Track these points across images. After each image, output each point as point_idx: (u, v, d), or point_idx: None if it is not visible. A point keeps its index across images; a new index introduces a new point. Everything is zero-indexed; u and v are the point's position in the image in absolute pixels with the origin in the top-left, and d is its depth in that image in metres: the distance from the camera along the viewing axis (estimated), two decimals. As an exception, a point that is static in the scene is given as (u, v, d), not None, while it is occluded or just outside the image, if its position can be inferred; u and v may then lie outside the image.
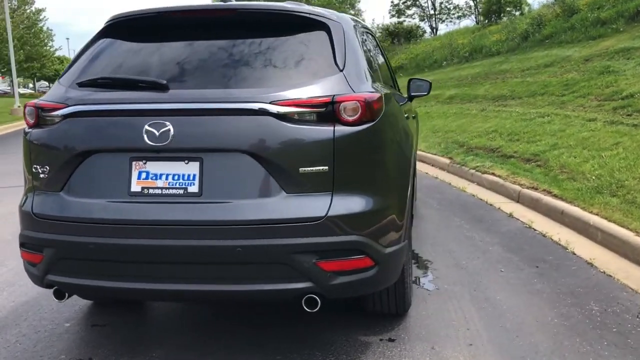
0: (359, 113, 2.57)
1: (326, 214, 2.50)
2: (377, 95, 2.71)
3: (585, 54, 11.95)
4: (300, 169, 2.49)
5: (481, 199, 6.71)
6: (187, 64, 2.75)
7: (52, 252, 2.64)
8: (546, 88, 11.03)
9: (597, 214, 5.03)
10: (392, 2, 40.39)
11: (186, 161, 2.54)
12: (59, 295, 2.77)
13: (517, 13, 24.61)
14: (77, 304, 3.61)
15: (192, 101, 2.55)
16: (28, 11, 47.48)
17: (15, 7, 45.66)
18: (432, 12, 39.77)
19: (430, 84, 5.10)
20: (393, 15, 40.40)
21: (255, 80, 2.65)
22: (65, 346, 3.08)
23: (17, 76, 39.12)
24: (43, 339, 3.17)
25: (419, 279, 4.01)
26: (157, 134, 2.50)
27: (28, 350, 3.03)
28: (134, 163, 2.57)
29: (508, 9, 25.26)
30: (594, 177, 5.92)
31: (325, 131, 2.52)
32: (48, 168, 2.69)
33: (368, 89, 2.74)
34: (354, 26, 3.26)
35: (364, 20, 42.77)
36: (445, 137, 10.84)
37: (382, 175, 2.74)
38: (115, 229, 2.54)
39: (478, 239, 4.99)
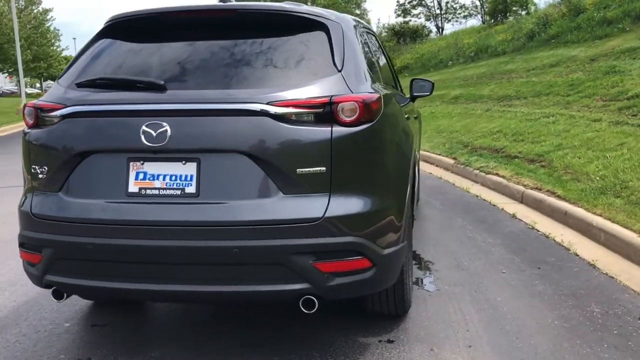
0: (357, 114, 2.57)
1: (323, 214, 2.49)
2: (375, 96, 2.70)
3: (591, 54, 11.90)
4: (298, 169, 2.49)
5: (484, 200, 6.68)
6: (185, 65, 2.75)
7: (51, 252, 2.65)
8: (551, 88, 10.98)
9: (600, 215, 5.00)
10: (397, 1, 40.40)
11: (183, 162, 2.53)
12: (58, 295, 2.78)
13: (524, 12, 24.51)
14: (77, 304, 3.62)
15: (190, 102, 2.55)
16: (35, 11, 47.73)
17: (23, 7, 45.93)
18: (438, 11, 39.70)
19: (433, 84, 5.07)
20: (399, 15, 40.39)
21: (252, 80, 2.65)
22: (65, 346, 3.09)
23: (24, 76, 39.34)
24: (43, 338, 3.17)
25: (420, 279, 4.00)
26: (154, 134, 2.50)
27: (28, 350, 3.04)
28: (131, 164, 2.57)
29: (514, 8, 25.16)
30: (598, 178, 5.89)
31: (322, 132, 2.52)
32: (46, 168, 2.70)
33: (367, 90, 2.73)
34: (354, 26, 3.25)
35: (369, 20, 42.80)
36: (450, 137, 10.81)
37: (380, 176, 2.74)
38: (112, 230, 2.54)
39: (480, 240, 4.97)
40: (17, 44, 27.86)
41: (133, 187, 2.56)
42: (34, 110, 2.79)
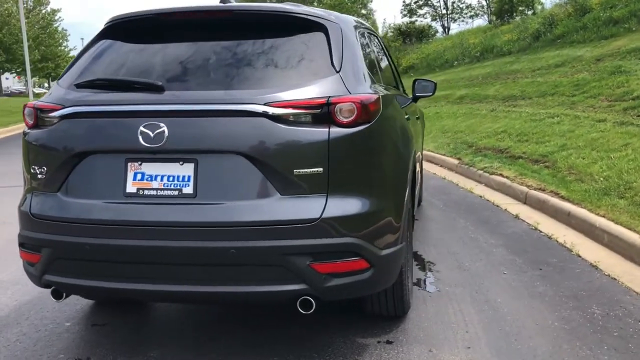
0: (354, 114, 2.56)
1: (320, 215, 2.49)
2: (374, 96, 2.70)
3: (597, 54, 11.84)
4: (295, 170, 2.49)
5: (488, 200, 6.66)
6: (183, 65, 2.76)
7: (49, 252, 2.66)
8: (556, 88, 10.93)
9: (603, 216, 4.98)
10: (403, 1, 40.30)
11: (181, 162, 2.54)
12: (57, 295, 2.79)
13: (530, 12, 24.41)
14: (78, 303, 3.64)
15: (187, 102, 2.55)
16: (43, 11, 48.05)
17: (31, 7, 46.24)
18: (444, 11, 39.59)
19: (435, 84, 5.06)
20: (405, 15, 40.29)
21: (250, 81, 2.65)
22: (65, 345, 3.10)
23: (32, 76, 39.60)
24: (43, 337, 3.19)
25: (421, 280, 3.99)
26: (152, 135, 2.51)
27: (28, 349, 3.06)
28: (129, 164, 2.58)
29: (520, 8, 25.06)
30: (602, 179, 5.85)
31: (320, 132, 2.52)
32: (45, 169, 2.71)
33: (365, 90, 2.73)
34: (355, 27, 3.25)
35: (374, 20, 42.73)
36: (455, 138, 10.78)
37: (378, 177, 2.73)
38: (110, 230, 2.55)
39: (482, 241, 4.96)
40: (25, 44, 28.01)
41: (131, 188, 2.57)
42: (34, 110, 2.81)
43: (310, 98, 2.54)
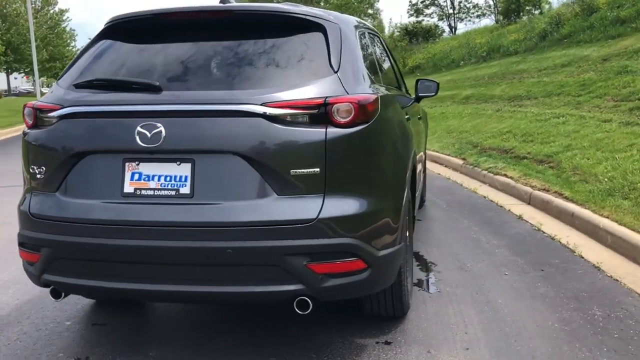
0: (352, 115, 2.56)
1: (317, 216, 2.49)
2: (372, 97, 2.69)
3: (604, 54, 11.77)
4: (292, 170, 2.49)
5: (492, 201, 6.64)
6: (181, 66, 2.77)
7: (48, 251, 2.67)
8: (562, 88, 10.88)
9: (607, 217, 4.95)
10: (410, 1, 40.18)
11: (178, 162, 2.55)
12: (56, 294, 2.80)
13: (537, 12, 24.30)
14: (79, 303, 3.65)
15: (184, 102, 2.56)
16: (51, 12, 48.34)
17: (39, 7, 46.53)
18: (450, 11, 39.47)
19: (438, 84, 5.05)
20: (411, 15, 40.19)
21: (248, 81, 2.65)
22: (65, 344, 3.12)
23: (40, 76, 39.83)
24: (43, 337, 3.20)
25: (421, 281, 3.98)
26: (149, 135, 2.52)
27: (28, 348, 3.07)
28: (127, 164, 2.59)
29: (527, 7, 24.95)
30: (606, 179, 5.82)
31: (317, 133, 2.51)
32: (44, 169, 2.73)
33: (364, 91, 2.72)
34: (355, 27, 3.25)
35: (380, 20, 42.66)
36: (460, 138, 10.75)
37: (375, 178, 2.73)
38: (108, 230, 2.56)
39: (485, 241, 4.94)
40: (33, 45, 28.18)
41: (128, 188, 2.57)
42: (33, 110, 2.82)
43: (308, 98, 2.54)
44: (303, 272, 2.48)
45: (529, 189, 6.50)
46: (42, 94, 32.07)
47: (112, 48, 2.98)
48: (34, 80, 33.34)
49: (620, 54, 11.12)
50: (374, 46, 3.90)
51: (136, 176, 2.57)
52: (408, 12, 42.27)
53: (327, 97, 2.55)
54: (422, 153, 5.16)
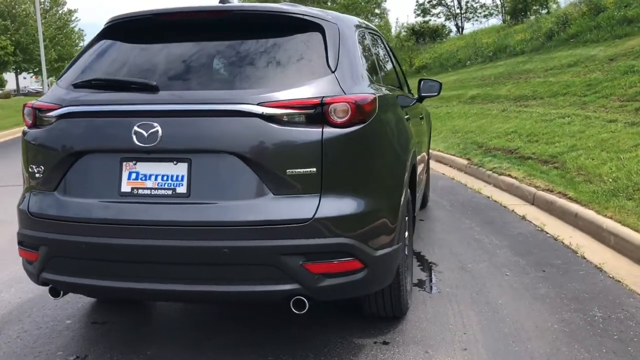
0: (349, 115, 2.56)
1: (313, 215, 2.49)
2: (370, 97, 2.69)
3: (610, 54, 11.69)
4: (288, 170, 2.49)
5: (496, 201, 6.62)
6: (180, 65, 2.78)
7: (46, 250, 2.69)
8: (568, 88, 10.82)
9: (611, 218, 4.92)
10: (417, 1, 40.07)
11: (175, 162, 2.55)
12: (54, 293, 2.82)
13: (544, 12, 24.18)
14: (79, 302, 3.67)
15: (180, 102, 2.57)
16: (60, 12, 48.65)
17: (48, 8, 46.84)
18: (457, 11, 39.33)
19: (441, 84, 5.04)
20: (418, 15, 40.09)
21: (245, 81, 2.66)
22: (64, 343, 3.13)
23: (49, 76, 40.05)
24: (43, 335, 3.22)
25: (421, 281, 3.97)
26: (146, 135, 2.53)
27: (27, 346, 3.09)
28: (124, 164, 2.60)
29: (534, 7, 24.82)
30: (610, 180, 5.78)
31: (313, 133, 2.51)
32: (43, 168, 2.74)
33: (361, 91, 2.72)
34: (355, 27, 3.25)
35: (387, 19, 42.58)
36: (465, 138, 10.72)
37: (372, 178, 2.72)
38: (105, 229, 2.57)
39: (487, 242, 4.92)
40: (41, 45, 28.37)
41: (125, 187, 2.59)
42: (32, 110, 2.84)
43: (305, 98, 2.54)
44: (299, 271, 2.49)
45: (533, 190, 6.47)
46: (50, 93, 32.30)
47: (112, 48, 2.99)
48: (43, 80, 33.59)
49: (627, 53, 11.04)
50: (375, 46, 3.89)
51: (133, 175, 2.59)
52: (415, 12, 42.07)
53: (324, 97, 2.55)
54: (424, 153, 5.14)
